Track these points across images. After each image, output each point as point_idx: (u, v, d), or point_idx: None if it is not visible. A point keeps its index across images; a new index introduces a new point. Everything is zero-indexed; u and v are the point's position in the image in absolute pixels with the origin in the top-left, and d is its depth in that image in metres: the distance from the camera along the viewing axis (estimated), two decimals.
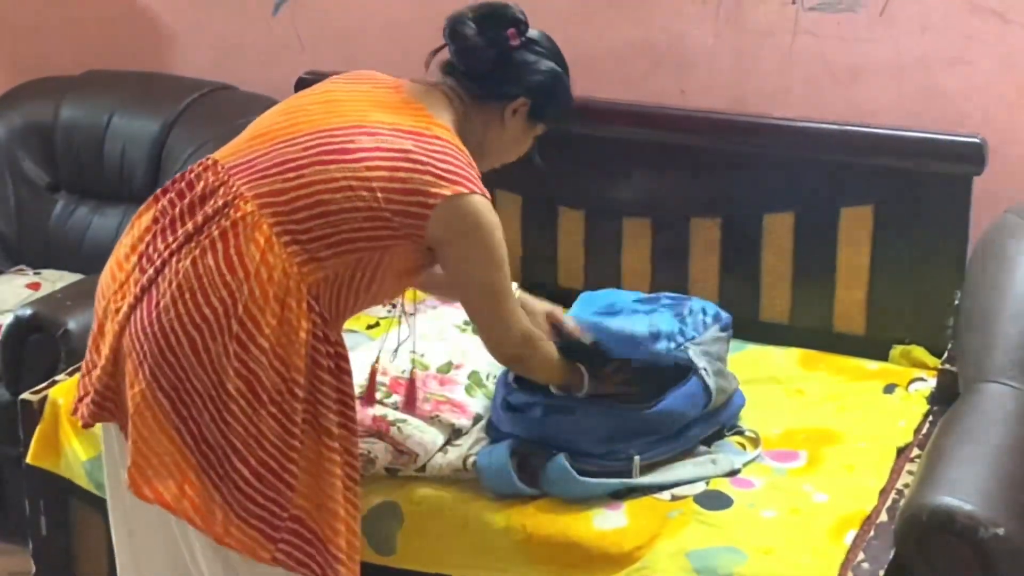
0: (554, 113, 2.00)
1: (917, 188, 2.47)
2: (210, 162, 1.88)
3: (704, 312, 2.25)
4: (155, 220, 1.87)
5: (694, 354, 2.13)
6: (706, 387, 2.12)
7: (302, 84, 3.00)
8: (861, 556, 1.93)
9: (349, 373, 1.87)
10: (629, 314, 2.22)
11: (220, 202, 1.81)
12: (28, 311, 2.63)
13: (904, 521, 1.88)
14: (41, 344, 2.60)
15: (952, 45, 2.52)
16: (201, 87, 3.17)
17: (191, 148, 3.03)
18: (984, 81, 2.50)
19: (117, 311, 1.84)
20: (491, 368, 2.27)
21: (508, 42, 1.90)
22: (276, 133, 1.86)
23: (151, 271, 1.82)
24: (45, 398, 2.38)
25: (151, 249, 1.84)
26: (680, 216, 2.69)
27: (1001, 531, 1.80)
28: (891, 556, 1.92)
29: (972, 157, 2.42)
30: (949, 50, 2.52)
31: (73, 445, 2.34)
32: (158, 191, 1.92)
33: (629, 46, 2.79)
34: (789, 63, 2.68)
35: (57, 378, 2.45)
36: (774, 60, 2.69)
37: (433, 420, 2.15)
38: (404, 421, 2.12)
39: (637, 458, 2.05)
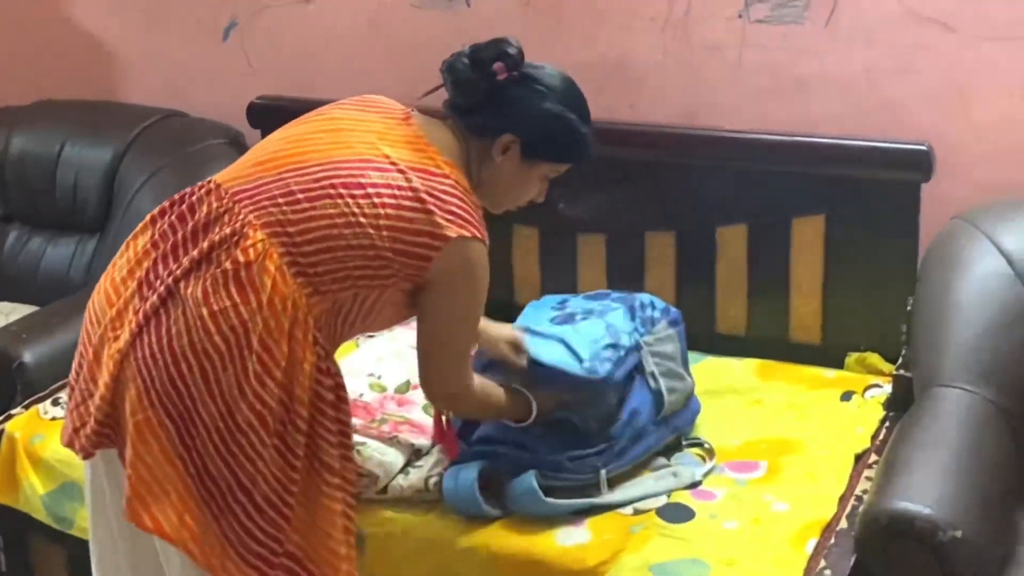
0: (552, 155, 1.95)
1: (867, 196, 2.50)
2: (212, 185, 1.85)
3: (653, 307, 2.27)
4: (154, 244, 1.83)
5: (644, 356, 2.15)
6: (656, 391, 2.13)
7: (254, 109, 3.02)
8: (823, 563, 1.94)
9: (347, 409, 1.86)
10: (583, 315, 2.22)
11: (228, 230, 1.79)
12: None
13: (864, 527, 1.90)
14: None
15: (897, 54, 2.54)
16: (152, 114, 3.16)
17: (144, 176, 3.02)
18: (929, 89, 2.53)
19: (116, 338, 1.80)
20: None
21: (495, 76, 1.88)
22: (283, 160, 1.84)
23: (155, 298, 1.78)
24: (1, 432, 2.36)
25: (152, 275, 1.81)
26: (634, 231, 2.71)
27: (959, 534, 1.82)
28: (852, 562, 1.94)
29: (919, 164, 2.46)
30: (894, 59, 2.55)
31: (31, 479, 2.32)
32: (154, 213, 1.88)
33: (579, 64, 2.78)
34: (738, 76, 2.70)
35: (13, 412, 2.43)
36: (723, 73, 2.71)
37: (392, 441, 2.14)
38: (363, 444, 2.11)
39: (603, 472, 2.06)
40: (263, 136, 1.99)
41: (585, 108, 1.97)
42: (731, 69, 2.70)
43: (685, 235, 2.68)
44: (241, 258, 1.77)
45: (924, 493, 1.87)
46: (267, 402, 1.75)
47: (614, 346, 2.13)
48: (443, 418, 2.10)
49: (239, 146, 3.02)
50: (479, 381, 1.99)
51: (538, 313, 2.27)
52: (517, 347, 2.11)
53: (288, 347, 1.76)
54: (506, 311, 2.36)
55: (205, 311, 1.75)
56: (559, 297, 2.36)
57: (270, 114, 2.85)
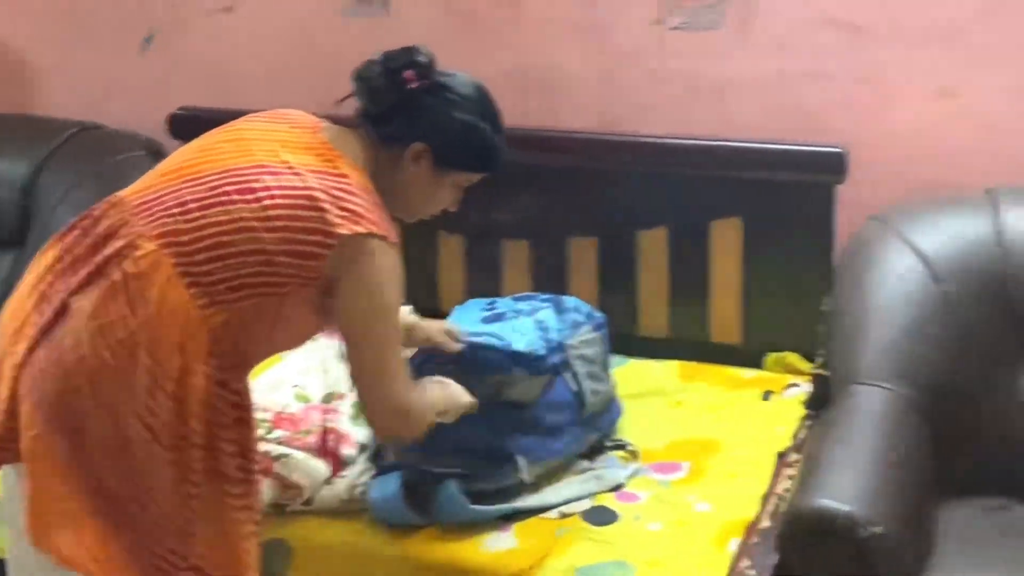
0: (464, 164, 1.93)
1: (783, 199, 2.54)
2: (116, 199, 1.83)
3: (578, 310, 2.29)
4: (58, 259, 1.81)
5: (569, 357, 2.17)
6: (578, 392, 2.15)
7: (174, 121, 2.99)
8: (746, 563, 1.97)
9: (250, 424, 1.82)
10: (513, 314, 2.23)
11: (121, 242, 1.75)
12: None
13: (786, 525, 1.92)
14: None
15: (810, 58, 2.59)
16: (70, 127, 3.10)
17: (62, 189, 2.96)
18: (842, 92, 2.58)
19: (14, 353, 1.77)
20: None
21: (405, 84, 1.87)
22: (184, 171, 1.81)
23: (50, 313, 1.75)
24: None
25: (52, 289, 1.78)
26: (557, 236, 2.73)
27: (879, 530, 1.85)
28: (775, 560, 1.96)
29: (834, 166, 2.51)
30: (808, 63, 2.59)
31: None
32: (64, 228, 1.85)
33: (499, 72, 2.80)
34: (656, 81, 2.73)
35: None
36: (642, 79, 2.74)
37: (318, 452, 2.13)
38: (288, 455, 2.10)
39: (522, 460, 2.06)
40: None
41: (498, 117, 1.96)
42: (650, 75, 2.73)
43: (607, 240, 2.70)
44: (131, 269, 1.74)
45: (844, 490, 1.90)
46: (159, 416, 1.72)
47: (545, 337, 2.15)
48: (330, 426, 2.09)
49: (159, 158, 2.96)
50: (424, 392, 1.94)
51: (466, 315, 2.28)
52: (452, 334, 2.10)
53: (180, 360, 1.73)
54: (432, 317, 2.35)
55: (94, 324, 1.72)
56: (487, 300, 2.37)
57: (191, 125, 2.79)
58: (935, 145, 2.54)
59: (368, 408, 1.85)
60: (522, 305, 2.29)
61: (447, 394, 2.01)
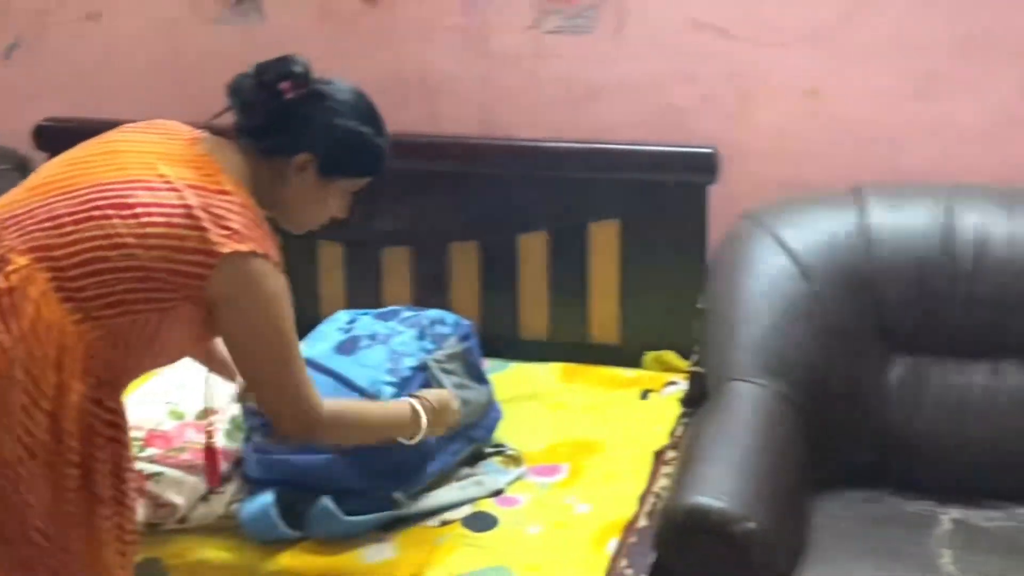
0: (350, 170, 1.91)
1: (658, 200, 2.58)
2: None
3: (443, 323, 2.28)
4: None
5: (433, 374, 2.16)
6: None
7: (40, 132, 2.91)
8: (624, 562, 1.98)
9: (125, 444, 1.78)
10: (368, 339, 2.21)
11: None
12: None
13: (661, 523, 1.95)
14: None
15: (681, 61, 2.62)
16: None
17: None
18: (712, 94, 2.62)
19: None
20: None
21: (282, 95, 1.84)
22: (54, 185, 1.76)
23: None
24: None
25: None
26: (438, 242, 2.73)
27: (753, 525, 1.88)
28: (652, 559, 1.98)
29: (705, 167, 2.55)
30: (679, 66, 2.63)
31: None
32: None
33: (378, 77, 2.77)
34: (534, 85, 2.74)
35: None
36: (519, 83, 2.75)
37: (192, 469, 2.10)
38: (161, 473, 2.07)
39: (399, 495, 2.06)
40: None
41: (379, 120, 1.95)
42: (527, 79, 2.74)
43: (488, 244, 2.71)
44: (3, 284, 1.69)
45: (719, 487, 1.93)
46: (36, 435, 1.68)
47: (394, 370, 2.13)
48: (210, 442, 2.05)
49: (25, 171, 2.89)
50: (342, 404, 1.93)
51: (325, 336, 2.25)
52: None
53: (56, 377, 1.69)
54: (313, 328, 2.33)
55: None
56: (350, 315, 2.34)
57: (59, 136, 2.73)
58: (802, 144, 2.59)
59: (277, 418, 1.84)
60: (379, 327, 2.26)
61: (438, 397, 2.02)
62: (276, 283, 1.78)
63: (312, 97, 1.87)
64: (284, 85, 1.84)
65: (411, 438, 2.00)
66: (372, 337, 2.22)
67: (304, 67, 1.86)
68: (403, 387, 2.11)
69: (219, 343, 1.93)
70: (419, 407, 2.00)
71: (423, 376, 2.17)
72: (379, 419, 1.99)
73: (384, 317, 2.30)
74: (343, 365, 2.12)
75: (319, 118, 1.86)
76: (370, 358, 2.16)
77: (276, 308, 1.78)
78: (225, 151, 1.84)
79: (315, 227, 1.97)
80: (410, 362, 2.17)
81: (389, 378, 2.12)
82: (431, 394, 2.06)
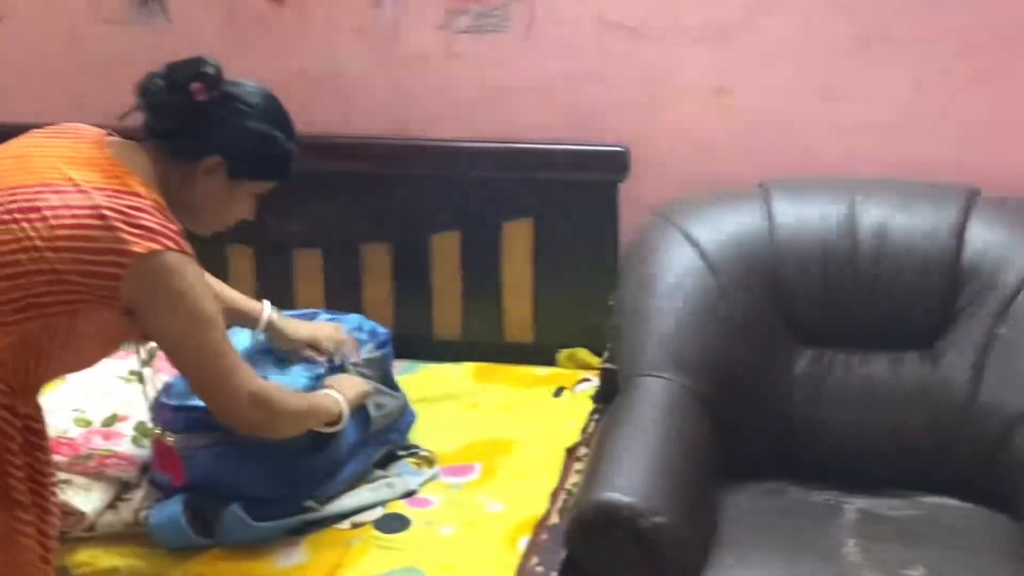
0: (258, 173, 1.91)
1: (570, 198, 2.60)
2: None
3: (360, 329, 2.28)
4: None
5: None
6: (363, 411, 2.14)
7: None
8: (535, 560, 1.99)
9: (44, 449, 1.77)
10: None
11: None
12: None
13: (572, 520, 1.96)
14: None
15: (591, 60, 2.64)
16: None
17: None
18: (623, 93, 2.63)
19: None
20: None
21: (193, 97, 1.83)
22: None
23: None
24: None
25: None
26: (350, 243, 2.72)
27: (662, 519, 1.90)
28: (563, 556, 1.99)
29: (616, 165, 2.57)
30: (589, 65, 2.64)
31: None
32: None
33: (288, 77, 2.78)
34: (445, 85, 2.74)
35: None
36: (431, 83, 2.74)
37: (99, 477, 2.07)
38: (67, 481, 2.04)
39: (310, 503, 2.05)
40: None
41: (288, 122, 1.95)
42: (438, 79, 2.74)
43: (401, 244, 2.71)
44: None
45: (628, 482, 1.94)
46: None
47: (313, 373, 2.14)
48: (164, 442, 2.03)
49: None
50: (281, 390, 1.93)
51: (241, 336, 2.24)
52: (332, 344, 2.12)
53: None
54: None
55: None
56: None
57: None
58: (712, 142, 2.62)
59: (222, 409, 1.85)
60: None
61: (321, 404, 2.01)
62: (193, 275, 1.77)
63: (223, 99, 1.86)
64: (195, 86, 1.83)
65: (337, 422, 2.01)
66: None
67: (216, 68, 1.86)
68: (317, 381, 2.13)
69: (226, 288, 2.03)
70: (336, 395, 2.03)
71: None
72: (309, 405, 2.00)
73: (303, 319, 2.29)
74: (264, 364, 2.11)
75: (229, 121, 1.86)
76: (285, 361, 2.16)
77: (196, 300, 1.78)
78: (133, 153, 1.84)
79: (222, 229, 1.97)
80: (324, 369, 2.16)
81: (306, 375, 2.12)
82: (335, 379, 2.10)
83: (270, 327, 2.19)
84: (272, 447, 2.01)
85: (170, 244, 1.74)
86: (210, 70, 1.85)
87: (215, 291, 2.03)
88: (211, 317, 1.80)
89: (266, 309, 2.20)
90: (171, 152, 1.85)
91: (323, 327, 2.22)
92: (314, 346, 2.18)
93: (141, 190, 1.77)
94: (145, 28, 2.81)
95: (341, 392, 2.06)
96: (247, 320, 2.19)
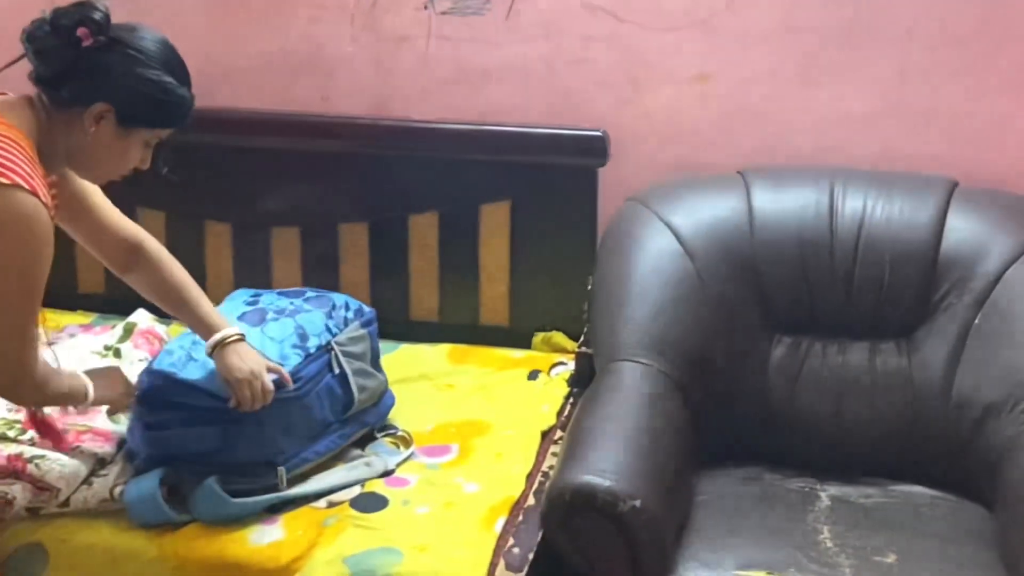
0: (151, 121, 1.85)
1: (548, 182, 2.60)
2: None
3: (347, 307, 2.27)
4: None
5: (335, 356, 2.15)
6: (347, 389, 2.13)
7: None
8: (511, 542, 1.99)
9: None
10: (275, 313, 2.19)
11: None
12: None
13: (548, 502, 1.96)
14: None
15: (572, 45, 2.64)
16: None
17: None
18: (603, 77, 2.64)
19: None
20: None
21: (80, 42, 1.77)
22: None
23: None
24: None
25: None
26: (328, 222, 2.71)
27: (638, 503, 1.90)
28: (539, 538, 2.00)
29: (596, 150, 2.57)
30: (570, 50, 2.64)
31: None
32: None
33: (269, 56, 2.78)
34: (426, 66, 2.73)
35: None
36: (411, 64, 2.74)
37: (74, 451, 2.06)
38: (42, 456, 2.02)
39: (281, 469, 2.04)
40: None
41: (183, 69, 1.88)
42: (419, 60, 2.73)
43: (378, 225, 2.70)
44: None
45: (604, 465, 1.94)
46: None
47: (301, 346, 2.13)
48: (39, 413, 2.02)
49: None
50: (43, 368, 1.86)
51: (229, 309, 2.23)
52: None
53: None
54: None
55: None
56: (252, 292, 2.32)
57: None
58: (691, 128, 2.63)
59: (3, 384, 1.79)
60: (286, 303, 2.24)
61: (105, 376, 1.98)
62: (39, 224, 1.71)
63: (111, 45, 1.80)
64: (81, 31, 1.77)
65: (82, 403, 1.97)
66: (279, 311, 2.20)
67: (104, 13, 1.80)
68: (307, 361, 2.12)
69: (202, 302, 2.00)
70: (90, 391, 1.97)
71: (327, 357, 2.16)
72: (69, 388, 1.94)
73: (287, 295, 2.28)
74: (252, 337, 2.09)
75: (119, 67, 1.80)
76: (277, 331, 2.14)
77: (30, 252, 1.71)
78: (12, 106, 1.80)
79: (116, 178, 1.92)
80: (316, 341, 2.16)
81: (296, 351, 2.11)
82: (103, 371, 2.05)
83: (213, 350, 2.04)
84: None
85: (18, 181, 1.68)
86: (97, 15, 1.79)
87: (192, 297, 2.04)
88: (32, 278, 1.73)
89: (222, 334, 2.04)
90: (58, 100, 1.80)
91: (267, 364, 2.07)
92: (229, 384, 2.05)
93: (5, 131, 1.73)
94: (122, 4, 2.77)
95: (97, 389, 1.98)
96: (202, 335, 2.07)
